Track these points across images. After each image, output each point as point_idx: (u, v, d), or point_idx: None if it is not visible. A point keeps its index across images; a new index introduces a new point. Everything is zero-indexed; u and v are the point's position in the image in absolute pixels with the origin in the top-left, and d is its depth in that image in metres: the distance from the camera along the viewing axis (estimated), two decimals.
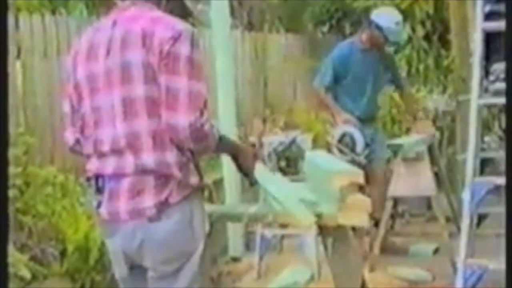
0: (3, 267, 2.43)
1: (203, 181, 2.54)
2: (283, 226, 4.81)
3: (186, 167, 2.45)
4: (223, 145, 2.59)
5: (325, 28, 10.43)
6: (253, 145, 6.00)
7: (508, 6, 3.27)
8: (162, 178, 2.41)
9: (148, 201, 2.41)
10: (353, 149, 5.41)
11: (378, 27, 5.51)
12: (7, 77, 2.46)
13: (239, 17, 9.72)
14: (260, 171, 2.73)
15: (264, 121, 7.70)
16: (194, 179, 2.48)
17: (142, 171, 2.41)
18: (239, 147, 2.73)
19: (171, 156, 2.41)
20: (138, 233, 2.44)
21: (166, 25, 2.43)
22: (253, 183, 2.75)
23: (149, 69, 2.39)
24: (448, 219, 5.51)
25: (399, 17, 5.70)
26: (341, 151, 5.40)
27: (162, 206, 2.41)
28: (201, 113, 2.37)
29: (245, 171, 2.71)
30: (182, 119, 2.35)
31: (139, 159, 2.41)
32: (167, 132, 2.39)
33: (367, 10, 9.55)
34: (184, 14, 2.68)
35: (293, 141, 5.50)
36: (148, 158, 2.41)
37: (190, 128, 2.35)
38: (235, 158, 2.68)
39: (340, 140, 5.44)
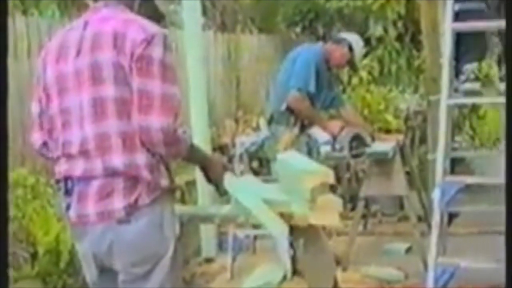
0: (3, 267, 2.40)
1: (173, 183, 2.53)
2: (256, 226, 4.80)
3: (156, 169, 2.43)
4: (193, 153, 2.58)
5: (298, 29, 10.45)
6: (225, 146, 6.02)
7: (508, 6, 3.29)
8: (132, 180, 2.40)
9: (117, 203, 2.40)
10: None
11: (351, 49, 5.52)
12: (7, 77, 2.43)
13: (211, 17, 9.70)
14: (230, 180, 2.72)
15: (237, 121, 7.72)
16: (164, 181, 2.46)
17: (111, 173, 2.40)
18: (209, 158, 2.73)
19: (141, 158, 2.40)
20: (107, 236, 2.42)
21: (139, 27, 2.42)
22: (222, 193, 2.74)
23: (119, 70, 2.37)
24: (419, 218, 5.56)
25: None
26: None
27: (132, 208, 2.39)
28: (175, 117, 2.37)
29: (214, 182, 2.70)
30: (155, 122, 2.34)
31: (108, 161, 2.40)
32: (139, 135, 2.37)
33: (339, 11, 9.66)
34: (156, 16, 2.67)
35: (264, 142, 5.50)
36: (117, 160, 2.39)
37: (162, 132, 2.34)
38: (204, 168, 2.68)
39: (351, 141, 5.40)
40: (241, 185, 2.80)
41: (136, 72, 2.36)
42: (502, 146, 6.88)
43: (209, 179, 2.70)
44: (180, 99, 2.42)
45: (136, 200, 2.40)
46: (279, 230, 2.51)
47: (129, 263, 2.45)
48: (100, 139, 2.40)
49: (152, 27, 2.44)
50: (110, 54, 2.38)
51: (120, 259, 2.45)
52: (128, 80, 2.37)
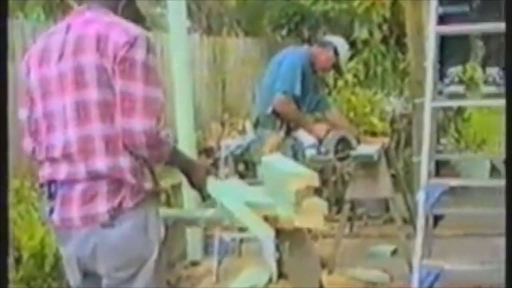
0: (3, 268, 2.39)
1: (158, 186, 2.53)
2: (242, 229, 4.81)
3: (140, 172, 2.43)
4: (176, 157, 2.58)
5: (284, 32, 10.47)
6: (211, 149, 6.01)
7: (508, 6, 3.30)
8: (115, 183, 2.39)
9: (101, 206, 2.39)
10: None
11: (336, 53, 5.54)
12: (7, 77, 2.41)
13: (197, 20, 9.70)
14: (213, 185, 2.72)
15: (223, 124, 7.71)
16: (148, 184, 2.46)
17: (94, 176, 2.39)
18: (192, 163, 2.73)
19: (125, 161, 2.39)
20: (91, 239, 2.42)
21: (121, 30, 2.41)
22: (204, 198, 2.74)
23: (103, 73, 2.37)
24: (405, 221, 5.57)
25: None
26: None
27: (116, 212, 2.39)
28: (158, 120, 2.36)
29: (197, 187, 2.69)
30: (138, 124, 2.33)
31: (91, 164, 2.39)
32: (121, 137, 2.36)
33: (325, 14, 9.68)
34: (140, 19, 2.67)
35: (250, 145, 5.50)
36: (101, 163, 2.38)
37: (145, 134, 2.34)
38: (187, 173, 2.67)
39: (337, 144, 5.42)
40: (225, 189, 2.80)
41: (119, 74, 2.35)
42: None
43: (192, 184, 2.69)
44: (163, 102, 2.42)
45: (120, 204, 2.39)
46: (263, 233, 2.51)
47: (113, 267, 2.44)
48: (84, 142, 2.40)
49: (135, 30, 2.43)
50: (93, 57, 2.38)
51: (104, 263, 2.44)
52: (111, 83, 2.37)
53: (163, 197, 5.45)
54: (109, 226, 2.39)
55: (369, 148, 5.44)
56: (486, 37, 4.17)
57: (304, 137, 5.57)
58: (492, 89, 3.91)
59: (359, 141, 5.55)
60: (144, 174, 2.45)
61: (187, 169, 2.66)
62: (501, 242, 4.81)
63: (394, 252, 5.62)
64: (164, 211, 2.70)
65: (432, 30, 3.73)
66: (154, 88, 2.39)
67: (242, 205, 2.62)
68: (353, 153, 5.35)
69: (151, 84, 2.38)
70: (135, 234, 2.42)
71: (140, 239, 2.44)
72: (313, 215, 2.56)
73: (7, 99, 2.48)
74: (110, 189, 2.39)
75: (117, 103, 2.35)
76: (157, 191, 2.53)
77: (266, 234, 2.50)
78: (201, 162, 3.01)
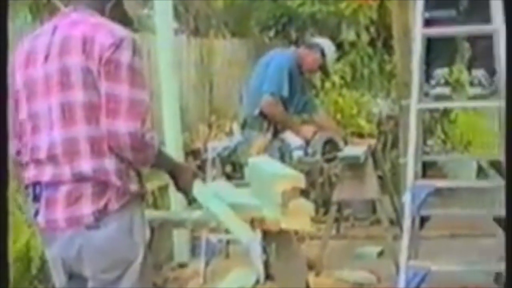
0: (3, 266, 2.37)
1: (143, 188, 2.52)
2: (228, 231, 4.80)
3: (125, 174, 2.42)
4: (162, 160, 2.58)
5: (271, 33, 10.47)
6: (198, 150, 5.99)
7: (508, 6, 3.31)
8: (100, 185, 2.39)
9: (86, 208, 2.39)
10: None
11: (323, 54, 5.54)
12: (7, 77, 2.40)
13: (185, 22, 9.68)
14: (199, 188, 2.72)
15: (210, 126, 7.70)
16: (133, 187, 2.45)
17: (79, 178, 2.38)
18: (178, 165, 2.72)
19: (110, 163, 2.39)
20: (76, 241, 2.41)
21: (107, 31, 2.41)
22: (190, 201, 2.73)
23: (88, 75, 2.36)
24: (392, 222, 5.59)
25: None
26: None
27: (101, 214, 2.38)
28: (143, 122, 2.36)
29: (183, 190, 2.69)
30: (123, 126, 2.33)
31: (76, 166, 2.39)
32: (106, 139, 2.36)
33: (312, 16, 9.70)
34: (127, 21, 2.67)
35: (237, 146, 5.50)
36: (86, 165, 2.38)
37: (130, 136, 2.34)
38: (173, 175, 2.66)
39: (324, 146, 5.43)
40: (211, 192, 2.80)
41: (104, 76, 2.35)
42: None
43: (178, 187, 2.69)
44: (149, 104, 2.41)
45: (105, 206, 2.39)
46: (247, 237, 2.51)
47: (98, 269, 2.43)
48: (69, 144, 2.39)
49: (121, 31, 2.43)
50: (78, 59, 2.38)
51: (89, 265, 2.43)
52: (96, 85, 2.36)
53: (150, 199, 5.44)
54: (94, 228, 2.38)
55: (355, 149, 5.46)
56: (472, 39, 4.19)
57: (291, 138, 5.58)
58: (477, 90, 3.92)
59: (346, 143, 5.56)
60: (130, 176, 2.44)
61: (174, 172, 2.66)
62: (488, 242, 4.86)
63: (381, 253, 5.64)
64: (150, 213, 2.70)
65: (418, 32, 3.74)
66: (140, 90, 2.39)
67: (226, 208, 2.63)
68: (340, 154, 5.37)
69: (137, 86, 2.38)
70: (120, 236, 2.42)
71: (125, 241, 2.44)
72: (299, 217, 2.57)
73: (7, 97, 2.46)
74: (95, 191, 2.39)
75: (102, 105, 2.35)
76: (142, 193, 2.52)
77: (248, 237, 2.51)
78: (188, 165, 3.00)
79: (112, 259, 2.43)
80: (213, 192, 2.81)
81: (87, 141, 2.38)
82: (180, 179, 2.66)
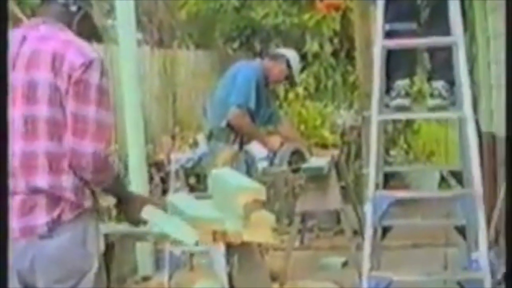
0: (3, 267, 2.33)
1: (97, 204, 2.53)
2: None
3: (81, 191, 2.44)
4: (117, 184, 2.59)
5: (235, 45, 10.50)
6: (161, 162, 5.95)
7: (508, 6, 3.34)
8: (55, 197, 2.40)
9: (40, 218, 2.39)
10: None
11: (289, 65, 5.57)
12: (7, 77, 2.37)
13: (148, 32, 9.65)
14: (151, 212, 2.70)
15: (173, 138, 7.67)
16: (88, 203, 2.47)
17: (34, 191, 2.39)
18: (130, 193, 2.75)
19: (67, 180, 2.41)
20: (29, 252, 2.40)
21: (78, 50, 2.42)
22: (136, 225, 2.72)
23: (55, 92, 2.38)
24: (355, 232, 5.61)
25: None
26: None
27: (54, 224, 2.39)
28: (107, 144, 2.40)
29: (130, 219, 2.69)
30: (88, 147, 2.36)
31: (32, 180, 2.39)
32: (69, 158, 2.38)
33: (276, 28, 9.74)
34: (96, 34, 2.69)
35: (201, 158, 5.48)
36: (42, 180, 2.39)
37: (93, 157, 2.37)
38: (122, 202, 2.66)
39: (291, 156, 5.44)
40: (163, 217, 2.77)
41: (73, 95, 2.37)
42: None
43: (125, 215, 2.70)
44: (112, 127, 2.45)
45: (59, 216, 2.40)
46: (192, 241, 2.51)
47: (51, 280, 2.43)
48: (27, 157, 2.39)
49: (91, 52, 2.45)
50: (47, 75, 2.39)
51: (42, 276, 2.42)
52: (62, 102, 2.38)
53: (112, 211, 5.39)
54: (47, 237, 2.39)
55: (319, 160, 5.48)
56: (432, 51, 4.24)
57: (256, 150, 5.59)
58: (437, 102, 3.96)
59: (311, 154, 5.59)
60: (85, 193, 2.46)
61: (123, 198, 2.66)
62: (450, 252, 4.91)
63: (345, 264, 5.66)
64: (112, 226, 2.68)
65: (378, 44, 3.78)
66: (106, 112, 2.42)
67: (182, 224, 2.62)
68: (303, 165, 5.39)
69: (104, 107, 2.41)
70: (73, 246, 2.43)
71: (78, 251, 2.44)
72: (261, 229, 2.57)
73: (7, 97, 2.43)
74: (49, 201, 2.40)
75: (69, 124, 2.37)
76: (97, 208, 2.53)
77: (193, 239, 2.51)
78: (139, 195, 2.98)
79: (65, 269, 2.42)
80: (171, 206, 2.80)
81: (46, 156, 2.39)
82: (128, 207, 2.66)
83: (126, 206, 2.66)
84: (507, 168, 3.12)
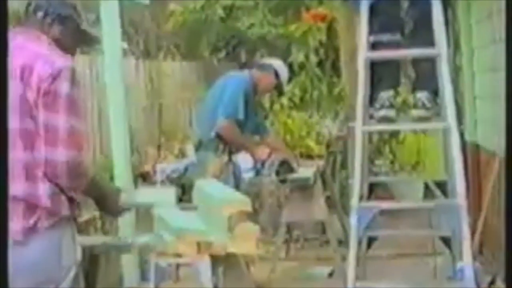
0: (3, 267, 2.32)
1: (75, 212, 2.54)
2: (178, 255, 4.77)
3: (57, 199, 2.46)
4: (93, 187, 2.64)
5: (221, 55, 10.51)
6: (147, 173, 5.95)
7: (508, 6, 3.36)
8: (31, 204, 2.42)
9: (16, 225, 2.40)
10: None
11: (277, 76, 5.59)
12: (7, 77, 2.38)
13: (134, 43, 9.65)
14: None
15: (159, 148, 7.66)
16: (65, 211, 2.49)
17: (10, 198, 2.40)
18: (105, 190, 2.78)
19: (43, 188, 2.43)
20: None
21: (46, 61, 2.44)
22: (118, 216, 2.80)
23: (25, 104, 2.41)
24: (340, 242, 5.62)
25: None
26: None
27: (30, 231, 2.41)
28: (80, 151, 2.43)
29: (110, 212, 2.78)
30: (61, 155, 2.39)
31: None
32: (44, 166, 2.41)
33: (262, 38, 9.77)
34: (91, 40, 2.75)
35: (187, 168, 5.47)
36: (18, 189, 2.42)
37: (67, 165, 2.40)
38: (99, 201, 2.71)
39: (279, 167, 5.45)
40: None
41: (43, 106, 2.40)
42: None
43: (105, 210, 2.73)
44: (85, 134, 2.49)
45: (35, 223, 2.42)
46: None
47: (25, 287, 2.43)
48: None
49: (60, 61, 2.47)
50: (18, 87, 2.41)
51: (17, 283, 2.42)
52: (33, 114, 2.41)
53: (98, 223, 5.38)
54: (22, 245, 2.40)
55: (305, 171, 5.49)
56: (416, 62, 4.26)
57: (242, 160, 5.59)
58: (421, 112, 3.99)
59: (299, 164, 5.61)
60: (61, 201, 2.48)
61: (100, 198, 2.71)
62: (436, 261, 4.92)
63: (330, 274, 5.66)
64: (96, 238, 2.68)
65: (362, 55, 3.80)
66: (77, 120, 2.45)
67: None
68: (289, 176, 5.40)
69: (74, 116, 2.44)
70: (49, 254, 2.44)
71: (53, 260, 2.46)
72: (246, 241, 2.58)
73: (7, 97, 2.43)
74: (26, 209, 2.42)
75: (41, 134, 2.40)
76: (74, 218, 2.55)
77: None
78: (112, 187, 3.03)
79: (39, 277, 2.44)
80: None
81: (21, 166, 2.42)
82: (107, 202, 2.72)
83: (104, 203, 2.72)
84: (507, 168, 3.13)
